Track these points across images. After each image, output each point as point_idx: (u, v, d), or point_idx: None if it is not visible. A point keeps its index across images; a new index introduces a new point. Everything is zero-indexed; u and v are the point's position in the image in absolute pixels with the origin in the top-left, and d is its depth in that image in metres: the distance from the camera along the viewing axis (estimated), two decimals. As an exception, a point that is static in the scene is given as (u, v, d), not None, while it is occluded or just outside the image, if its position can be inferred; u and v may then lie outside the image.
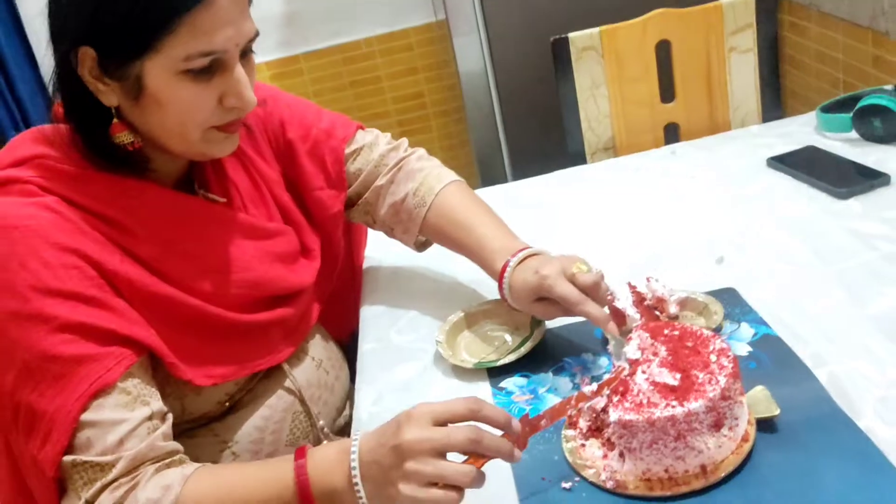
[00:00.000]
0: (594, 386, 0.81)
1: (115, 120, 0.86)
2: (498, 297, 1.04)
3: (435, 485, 0.73)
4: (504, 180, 2.13)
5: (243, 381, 1.00)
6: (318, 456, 0.80)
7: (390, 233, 1.18)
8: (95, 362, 0.81)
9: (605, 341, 0.99)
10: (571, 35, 1.59)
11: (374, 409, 0.99)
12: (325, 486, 0.78)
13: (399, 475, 0.73)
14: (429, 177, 1.14)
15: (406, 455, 0.73)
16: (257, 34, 0.88)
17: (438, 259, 1.23)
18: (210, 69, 0.84)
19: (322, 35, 2.69)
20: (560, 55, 1.61)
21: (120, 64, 0.83)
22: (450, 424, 0.75)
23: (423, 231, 1.14)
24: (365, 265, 1.33)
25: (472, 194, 1.15)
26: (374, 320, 1.17)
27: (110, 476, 0.80)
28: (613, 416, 0.76)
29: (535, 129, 1.99)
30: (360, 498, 0.76)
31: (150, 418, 0.84)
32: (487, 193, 1.51)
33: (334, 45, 2.71)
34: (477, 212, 1.10)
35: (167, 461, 0.83)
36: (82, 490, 0.80)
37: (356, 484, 0.76)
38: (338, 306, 1.24)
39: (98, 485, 0.80)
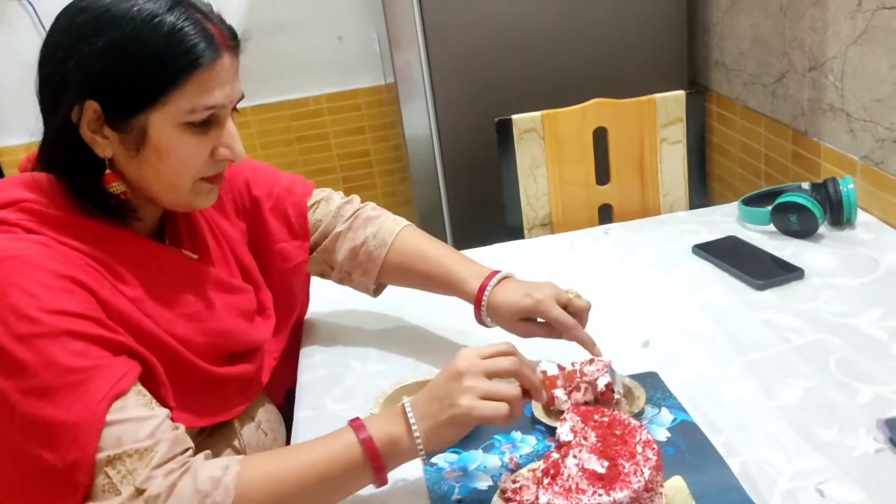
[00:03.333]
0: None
1: (107, 171, 0.90)
2: (429, 376, 1.06)
3: None
4: (444, 242, 2.18)
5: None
6: (371, 418, 0.89)
7: (347, 278, 1.23)
8: (110, 369, 0.82)
9: (535, 420, 1.03)
10: (515, 117, 1.67)
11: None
12: (384, 435, 0.85)
13: (459, 392, 0.84)
14: (386, 221, 1.22)
15: (463, 376, 0.85)
16: (243, 96, 0.95)
17: (378, 320, 1.27)
18: (207, 123, 0.90)
19: (272, 90, 2.72)
20: (503, 134, 1.68)
21: (125, 116, 0.87)
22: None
23: (384, 270, 1.20)
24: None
25: (428, 235, 1.22)
26: (310, 386, 1.19)
27: (155, 459, 0.79)
28: (543, 498, 0.79)
29: (476, 197, 2.05)
30: (417, 438, 0.85)
31: (170, 419, 0.85)
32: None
33: (283, 100, 2.75)
34: (439, 246, 1.19)
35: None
36: (122, 483, 0.78)
37: (413, 425, 0.85)
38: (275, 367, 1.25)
39: (145, 470, 0.78)
